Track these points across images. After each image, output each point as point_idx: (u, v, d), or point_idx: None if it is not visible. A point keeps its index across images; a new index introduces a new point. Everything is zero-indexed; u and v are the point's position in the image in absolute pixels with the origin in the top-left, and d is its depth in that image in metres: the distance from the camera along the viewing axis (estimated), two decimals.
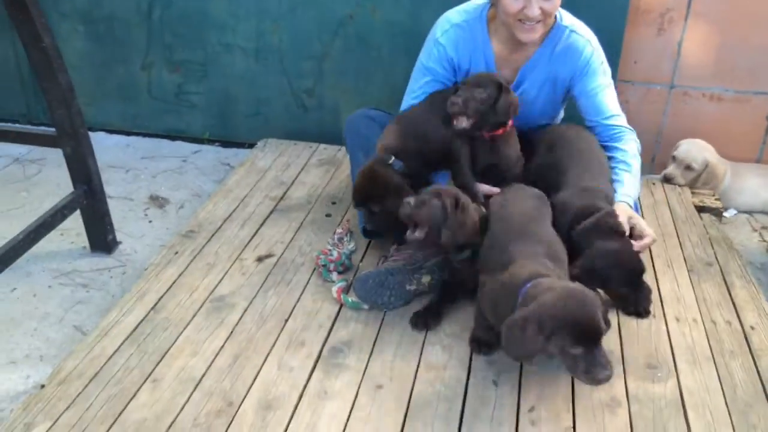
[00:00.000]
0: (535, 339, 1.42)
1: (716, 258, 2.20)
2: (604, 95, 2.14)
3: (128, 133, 3.34)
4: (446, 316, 1.88)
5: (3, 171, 2.98)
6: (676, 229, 2.37)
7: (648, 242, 1.90)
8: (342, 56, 2.99)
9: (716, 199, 2.60)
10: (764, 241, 2.62)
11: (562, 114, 2.39)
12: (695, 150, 2.71)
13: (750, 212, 2.80)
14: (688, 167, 2.70)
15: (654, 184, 2.69)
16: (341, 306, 1.92)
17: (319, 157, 2.87)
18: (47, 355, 1.95)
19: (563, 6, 2.11)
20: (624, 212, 1.91)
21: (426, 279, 1.92)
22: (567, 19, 2.14)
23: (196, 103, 3.23)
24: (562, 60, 2.12)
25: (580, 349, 1.42)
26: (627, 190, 2.01)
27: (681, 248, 2.25)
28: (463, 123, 1.98)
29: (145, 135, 3.33)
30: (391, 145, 2.05)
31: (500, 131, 2.06)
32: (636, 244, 1.86)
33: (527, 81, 2.17)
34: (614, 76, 2.76)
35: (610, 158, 2.11)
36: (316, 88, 3.09)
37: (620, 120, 2.16)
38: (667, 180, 2.72)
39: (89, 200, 2.29)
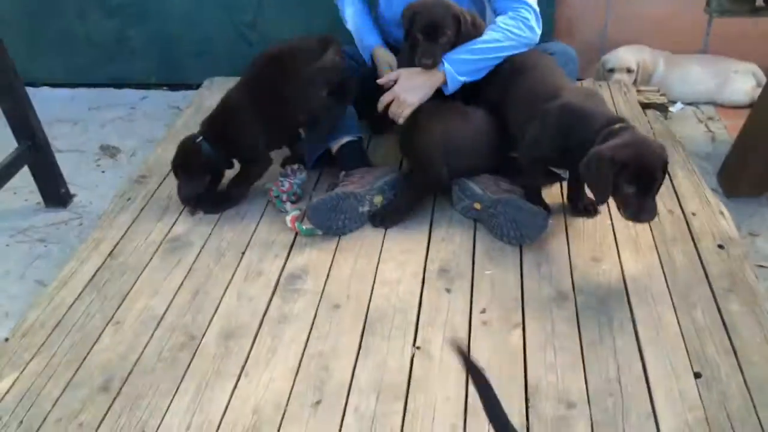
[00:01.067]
0: (607, 173, 1.59)
1: None
2: None
3: (73, 86, 3.27)
4: (398, 234, 1.92)
5: None
6: None
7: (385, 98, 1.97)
8: None
9: (661, 95, 2.63)
10: (709, 131, 2.68)
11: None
12: (625, 53, 2.80)
13: (696, 104, 2.85)
14: (629, 70, 2.77)
15: (600, 85, 2.71)
16: (296, 235, 1.95)
17: None
18: (12, 311, 1.98)
19: None
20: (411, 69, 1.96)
21: (378, 199, 1.96)
22: None
23: (138, 48, 3.16)
24: None
25: (633, 188, 1.60)
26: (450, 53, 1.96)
27: None
28: None
29: (90, 86, 3.27)
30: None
31: None
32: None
33: None
34: None
35: None
36: (258, 21, 3.03)
37: None
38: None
39: (36, 155, 2.27)
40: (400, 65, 2.07)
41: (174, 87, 3.23)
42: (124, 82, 3.26)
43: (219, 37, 3.09)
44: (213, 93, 2.84)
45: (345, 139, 2.12)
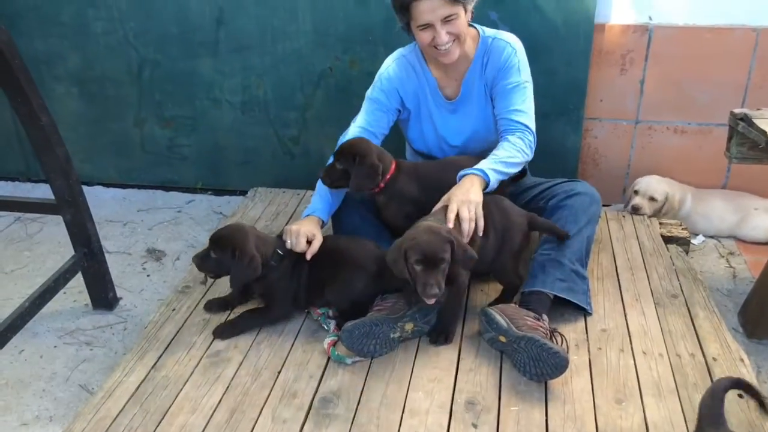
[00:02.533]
0: (399, 259, 1.87)
1: (681, 290, 2.33)
2: (514, 91, 2.27)
3: (124, 186, 3.48)
4: (428, 361, 2.01)
5: (6, 230, 3.12)
6: (644, 261, 2.50)
7: (466, 228, 2.03)
8: (324, 106, 3.14)
9: (683, 229, 2.74)
10: (730, 267, 2.76)
11: None
12: (656, 183, 2.92)
13: (717, 237, 2.95)
14: (652, 198, 2.88)
15: (624, 217, 2.83)
16: (329, 357, 2.05)
17: (306, 205, 2.99)
18: (56, 415, 2.08)
19: (526, 51, 2.33)
20: (462, 191, 2.08)
21: (409, 326, 2.06)
22: (489, 31, 2.34)
23: (187, 155, 3.38)
24: (489, 65, 2.31)
25: (420, 266, 1.84)
26: (482, 163, 2.15)
27: (648, 281, 2.39)
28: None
29: (140, 187, 3.48)
30: None
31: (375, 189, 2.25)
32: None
33: (468, 95, 2.36)
34: (581, 115, 2.94)
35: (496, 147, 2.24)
36: (301, 136, 3.24)
37: (521, 116, 2.26)
38: (635, 210, 2.88)
39: (89, 262, 2.43)
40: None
41: (218, 192, 3.42)
42: (172, 185, 3.46)
43: (263, 149, 3.29)
44: (256, 203, 3.02)
45: None
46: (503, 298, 2.22)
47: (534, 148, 2.27)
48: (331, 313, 2.19)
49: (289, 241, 2.17)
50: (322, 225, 2.30)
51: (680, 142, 3.00)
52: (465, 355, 2.04)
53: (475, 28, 2.34)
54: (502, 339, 1.98)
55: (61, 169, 2.23)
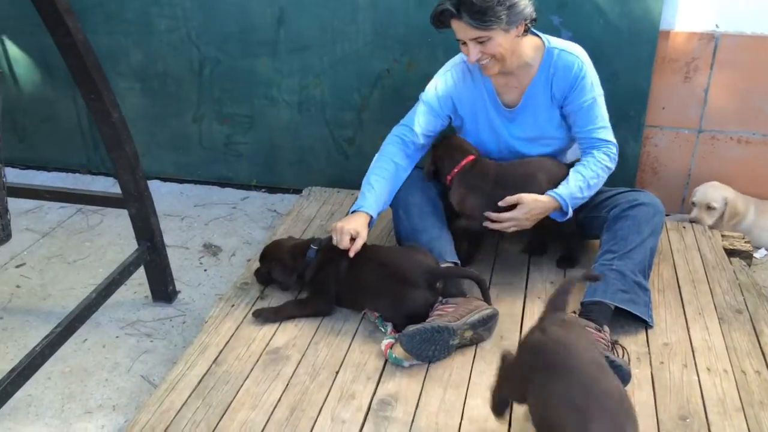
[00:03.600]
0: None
1: (746, 305, 2.28)
2: (592, 108, 2.29)
3: (181, 181, 3.55)
4: (486, 367, 2.00)
5: (68, 221, 3.21)
6: (706, 275, 2.45)
7: (506, 216, 2.23)
8: (380, 107, 3.15)
9: (746, 242, 2.68)
10: None
11: (570, 143, 2.48)
12: (711, 191, 2.84)
13: None
14: (709, 207, 2.81)
15: (684, 227, 2.77)
16: (386, 359, 2.06)
17: None
18: (119, 405, 2.13)
19: (591, 56, 2.33)
20: (532, 199, 2.21)
21: (468, 333, 2.05)
22: (555, 42, 2.32)
23: (243, 152, 3.43)
24: (556, 79, 2.29)
25: None
26: (561, 188, 2.24)
27: (711, 295, 2.34)
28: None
29: (196, 182, 3.54)
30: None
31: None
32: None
33: (530, 104, 2.35)
34: (642, 122, 2.90)
35: (582, 160, 2.33)
36: (356, 136, 3.26)
37: (603, 133, 2.31)
38: (694, 222, 2.82)
39: (152, 255, 2.48)
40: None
41: (272, 190, 3.46)
42: (228, 181, 3.52)
43: (318, 148, 3.32)
44: (311, 202, 3.06)
45: (443, 264, 2.24)
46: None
47: (617, 158, 2.34)
48: None
49: (334, 238, 2.23)
50: (371, 221, 2.31)
51: (744, 153, 2.93)
52: None
53: (540, 37, 2.31)
54: None
55: (129, 164, 2.28)
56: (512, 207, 2.24)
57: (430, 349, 1.99)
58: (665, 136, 2.98)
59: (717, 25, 2.76)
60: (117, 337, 2.44)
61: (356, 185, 3.18)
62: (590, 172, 2.26)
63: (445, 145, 2.42)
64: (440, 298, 2.14)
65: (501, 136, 2.42)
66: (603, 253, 2.24)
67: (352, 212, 2.33)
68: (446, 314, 2.05)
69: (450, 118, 2.46)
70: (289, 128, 3.31)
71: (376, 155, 2.47)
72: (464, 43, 2.20)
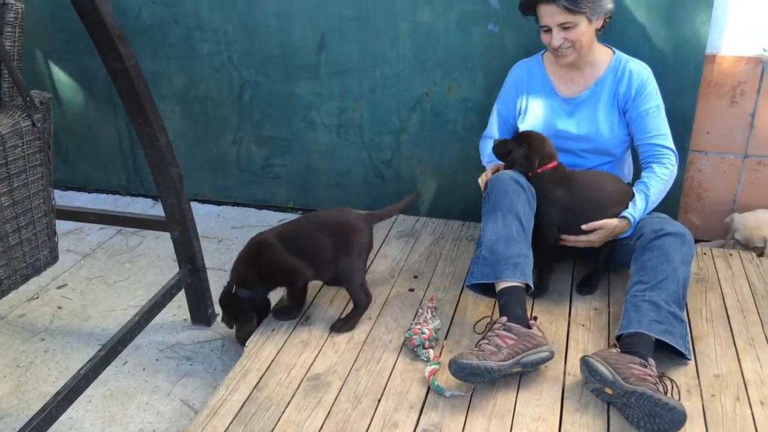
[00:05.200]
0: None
1: None
2: (654, 116, 2.40)
3: (219, 203, 3.58)
4: (530, 398, 1.96)
5: (109, 242, 3.25)
6: (755, 303, 2.39)
7: (583, 239, 2.32)
8: (419, 131, 3.15)
9: None
10: None
11: (622, 155, 2.57)
12: (753, 232, 2.77)
13: None
14: (754, 248, 2.74)
15: (731, 254, 2.71)
16: (429, 387, 2.03)
17: (398, 229, 3.02)
18: (159, 429, 2.13)
19: None
20: (613, 225, 2.28)
21: (516, 369, 1.99)
22: (623, 55, 2.49)
23: (281, 174, 3.45)
24: (622, 84, 2.42)
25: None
26: (631, 209, 2.30)
27: (762, 325, 2.27)
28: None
29: (234, 204, 3.57)
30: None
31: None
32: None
33: (592, 99, 2.46)
34: (687, 147, 2.85)
35: (643, 176, 2.39)
36: (394, 160, 3.25)
37: (665, 140, 2.41)
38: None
39: (192, 278, 2.49)
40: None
41: (309, 212, 3.46)
42: (265, 203, 3.54)
43: (355, 172, 3.32)
44: None
45: (511, 283, 2.16)
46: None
47: (677, 166, 2.42)
48: (426, 344, 2.17)
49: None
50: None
51: None
52: (569, 393, 1.99)
53: (611, 49, 2.49)
54: (609, 391, 1.89)
55: (173, 188, 2.30)
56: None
57: (474, 380, 1.95)
58: (710, 161, 2.92)
59: (765, 49, 2.71)
60: (157, 360, 2.45)
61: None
62: (654, 189, 2.34)
63: (536, 140, 2.40)
64: (503, 320, 2.07)
65: (557, 125, 2.49)
66: (633, 284, 2.18)
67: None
68: (504, 347, 1.98)
69: (517, 116, 2.63)
70: (327, 151, 3.32)
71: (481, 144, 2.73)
72: (547, 30, 2.33)
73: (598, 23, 2.34)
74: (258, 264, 2.33)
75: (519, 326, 2.05)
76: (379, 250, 2.83)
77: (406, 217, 3.12)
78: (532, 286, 2.20)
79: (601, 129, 2.45)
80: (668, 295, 2.09)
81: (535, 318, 2.15)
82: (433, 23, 2.93)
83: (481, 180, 2.45)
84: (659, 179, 2.34)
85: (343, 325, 2.32)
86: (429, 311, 2.33)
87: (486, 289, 2.27)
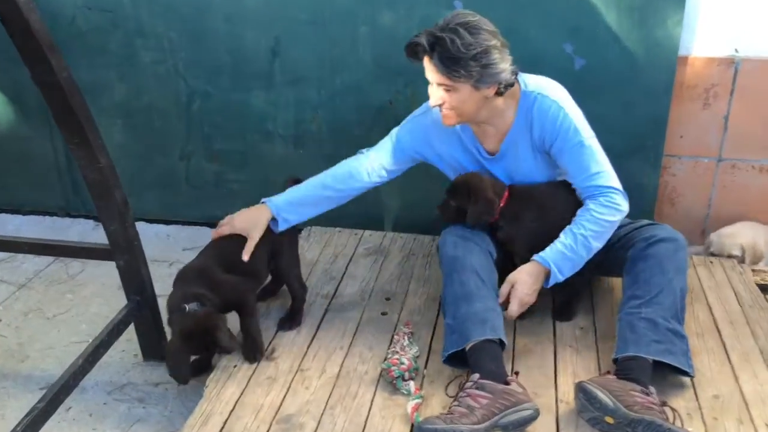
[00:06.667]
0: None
1: None
2: (581, 154, 2.08)
3: (168, 222, 3.32)
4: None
5: (46, 270, 2.96)
6: (744, 315, 2.29)
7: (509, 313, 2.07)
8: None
9: None
10: None
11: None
12: (727, 240, 2.70)
13: None
14: (729, 256, 2.67)
15: (711, 262, 2.62)
16: (413, 425, 1.85)
17: (365, 246, 2.83)
18: None
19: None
20: (522, 271, 2.07)
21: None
22: (532, 83, 2.13)
23: (236, 190, 3.22)
24: (536, 125, 2.10)
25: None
26: (546, 251, 2.06)
27: (754, 338, 2.17)
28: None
29: (185, 223, 3.32)
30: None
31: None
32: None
33: (511, 151, 2.18)
34: (660, 152, 2.76)
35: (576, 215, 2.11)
36: None
37: (599, 179, 2.08)
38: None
39: (142, 310, 2.26)
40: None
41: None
42: (218, 221, 3.29)
43: None
44: (311, 244, 2.85)
45: (483, 337, 1.93)
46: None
47: (626, 201, 2.11)
48: (406, 375, 1.99)
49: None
50: (278, 223, 2.24)
51: (766, 182, 2.80)
52: (564, 423, 1.84)
53: (519, 84, 2.11)
54: (609, 420, 1.75)
55: (118, 213, 2.07)
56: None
57: None
58: (684, 165, 2.84)
59: (737, 50, 2.64)
60: (105, 403, 2.21)
61: (358, 224, 3.02)
62: (583, 229, 2.05)
63: (478, 184, 2.16)
64: (475, 377, 1.86)
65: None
66: (627, 299, 2.04)
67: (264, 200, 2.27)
68: (477, 407, 1.76)
69: (419, 160, 2.33)
70: (286, 164, 3.11)
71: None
72: (431, 83, 2.04)
73: (489, 91, 1.99)
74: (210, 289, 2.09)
75: (493, 383, 1.82)
76: (346, 270, 2.64)
77: (372, 232, 2.93)
78: (505, 341, 1.98)
79: (532, 176, 2.21)
80: (665, 309, 1.95)
81: (516, 373, 1.94)
82: (395, 27, 2.76)
83: (227, 225, 2.26)
84: (593, 219, 2.04)
85: (290, 321, 2.25)
86: (405, 337, 2.16)
87: (465, 361, 1.97)
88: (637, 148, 2.75)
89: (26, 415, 1.75)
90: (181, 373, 1.98)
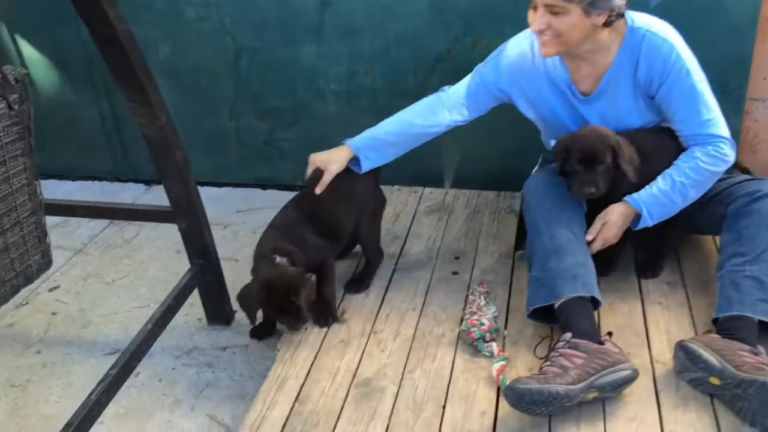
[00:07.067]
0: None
1: None
2: (692, 98, 1.94)
3: (219, 185, 3.24)
4: (619, 395, 1.70)
5: (101, 235, 2.91)
6: None
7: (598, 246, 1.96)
8: None
9: None
10: None
11: None
12: None
13: None
14: None
15: None
16: (499, 387, 1.76)
17: (426, 204, 2.72)
18: None
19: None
20: (614, 212, 1.95)
21: (592, 395, 1.66)
22: (640, 20, 1.96)
23: (286, 149, 3.12)
24: (642, 64, 1.94)
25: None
26: (640, 192, 1.94)
27: None
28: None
29: (236, 185, 3.24)
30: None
31: None
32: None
33: (609, 92, 2.02)
34: (744, 95, 2.57)
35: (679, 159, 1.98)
36: None
37: (710, 127, 1.95)
38: None
39: (206, 274, 2.19)
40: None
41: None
42: (269, 182, 3.21)
43: None
44: None
45: (575, 294, 1.82)
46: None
47: (734, 151, 1.97)
48: (487, 336, 1.89)
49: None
50: (358, 163, 2.17)
51: None
52: (663, 386, 1.73)
53: (626, 18, 1.94)
54: (715, 381, 1.63)
55: (179, 173, 1.99)
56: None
57: (541, 410, 1.61)
58: (767, 109, 2.65)
59: None
60: (173, 368, 2.15)
61: (417, 181, 2.90)
62: (684, 177, 1.92)
63: (594, 134, 1.95)
64: (567, 336, 1.75)
65: (573, 126, 2.09)
66: (729, 257, 1.90)
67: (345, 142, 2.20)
68: (571, 367, 1.65)
69: (503, 100, 2.18)
70: (338, 121, 2.99)
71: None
72: (535, 7, 1.87)
73: (599, 19, 1.83)
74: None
75: (588, 342, 1.72)
76: (410, 229, 2.54)
77: (432, 189, 2.82)
78: (598, 298, 1.87)
79: (628, 121, 2.04)
80: None
81: (610, 333, 1.80)
82: None
83: (309, 164, 2.18)
84: (696, 168, 1.92)
85: (358, 284, 2.19)
86: (481, 297, 2.06)
87: (551, 315, 1.88)
88: (720, 90, 2.52)
89: (100, 382, 1.70)
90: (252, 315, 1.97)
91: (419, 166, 2.94)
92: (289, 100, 3.01)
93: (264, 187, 3.22)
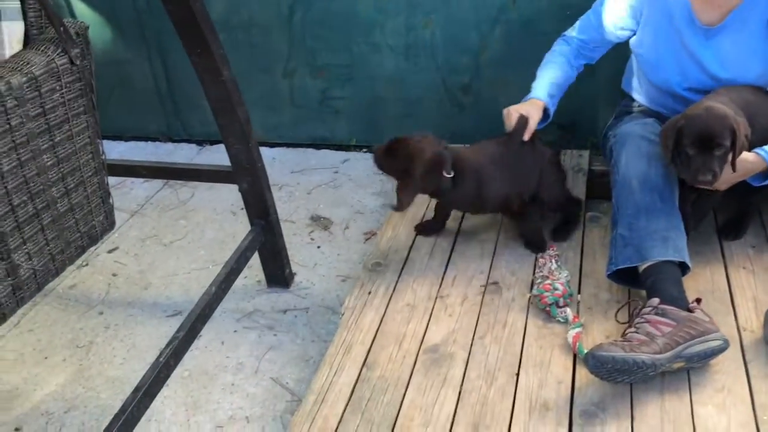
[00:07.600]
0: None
1: None
2: None
3: (272, 145, 3.18)
4: (705, 365, 1.60)
5: (156, 196, 2.89)
6: None
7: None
8: (503, 47, 2.70)
9: None
10: None
11: None
12: None
13: None
14: None
15: None
16: (575, 355, 1.68)
17: None
18: (252, 415, 1.83)
19: None
20: (746, 160, 1.78)
21: (678, 365, 1.57)
22: None
23: (341, 108, 3.04)
24: None
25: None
26: None
27: None
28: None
29: (289, 145, 3.18)
30: None
31: None
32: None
33: (735, 26, 1.87)
34: None
35: None
36: (473, 84, 2.82)
37: None
38: None
39: (267, 235, 2.14)
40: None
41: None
42: (324, 142, 3.14)
43: (428, 100, 2.90)
44: None
45: (664, 258, 1.72)
46: None
47: None
48: (561, 301, 1.81)
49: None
50: (546, 111, 2.09)
51: None
52: (752, 355, 1.63)
53: None
54: None
55: (241, 131, 1.93)
56: None
57: (623, 379, 1.54)
58: None
59: None
60: (235, 331, 2.13)
61: (472, 140, 2.78)
62: None
63: (710, 113, 1.74)
64: (654, 301, 1.65)
65: (696, 56, 1.94)
66: None
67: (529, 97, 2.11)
68: (658, 335, 1.56)
69: (627, 33, 2.08)
70: (394, 78, 2.89)
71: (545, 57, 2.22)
72: None
73: None
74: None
75: (677, 309, 1.62)
76: None
77: None
78: (689, 264, 1.75)
79: (748, 64, 1.90)
80: None
81: (698, 300, 1.69)
82: None
83: (508, 117, 2.04)
84: None
85: (565, 233, 2.13)
86: (553, 260, 1.96)
87: (633, 278, 1.79)
88: None
89: (167, 345, 1.67)
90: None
91: (479, 127, 2.84)
92: (344, 55, 2.90)
93: (318, 147, 3.15)
